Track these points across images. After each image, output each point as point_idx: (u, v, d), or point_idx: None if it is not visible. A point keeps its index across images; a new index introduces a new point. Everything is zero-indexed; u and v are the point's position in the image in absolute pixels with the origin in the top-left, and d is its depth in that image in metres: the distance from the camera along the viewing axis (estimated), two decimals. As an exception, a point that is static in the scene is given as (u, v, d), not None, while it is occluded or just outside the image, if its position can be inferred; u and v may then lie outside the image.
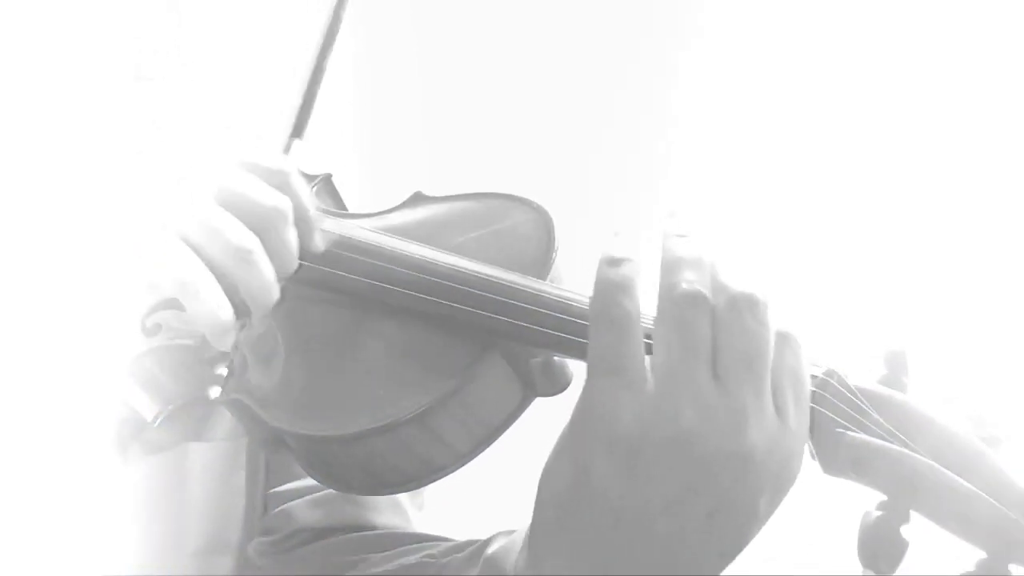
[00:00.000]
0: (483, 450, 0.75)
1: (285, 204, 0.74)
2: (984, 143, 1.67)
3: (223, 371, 0.73)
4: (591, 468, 0.62)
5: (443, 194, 0.87)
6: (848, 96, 1.79)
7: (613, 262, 0.63)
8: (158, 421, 0.72)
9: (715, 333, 0.62)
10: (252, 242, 0.72)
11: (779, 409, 0.63)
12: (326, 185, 0.91)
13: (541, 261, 0.77)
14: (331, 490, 0.93)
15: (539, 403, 0.76)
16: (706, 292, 0.63)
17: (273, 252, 0.73)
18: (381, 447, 0.72)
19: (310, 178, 0.90)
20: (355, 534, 0.92)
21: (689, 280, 0.63)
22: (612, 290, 0.63)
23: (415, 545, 0.90)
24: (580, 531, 0.63)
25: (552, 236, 0.79)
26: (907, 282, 1.62)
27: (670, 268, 0.64)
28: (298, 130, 0.83)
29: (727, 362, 0.62)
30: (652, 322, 0.64)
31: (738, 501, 0.61)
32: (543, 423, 0.85)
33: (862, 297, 1.64)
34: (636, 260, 0.63)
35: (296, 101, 0.84)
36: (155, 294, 0.70)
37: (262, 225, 0.73)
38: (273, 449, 0.77)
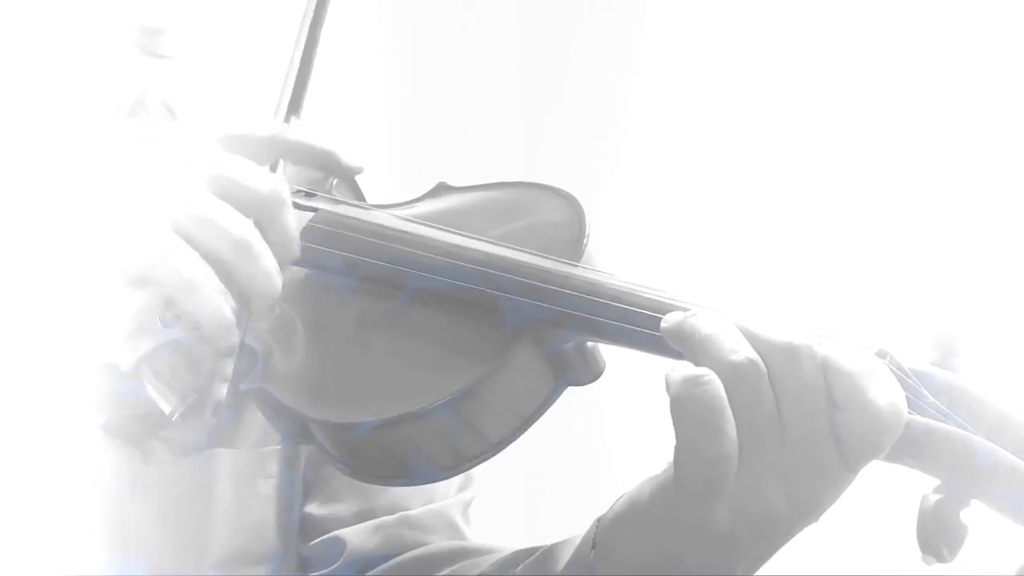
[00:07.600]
0: (514, 440, 0.73)
1: (281, 187, 0.72)
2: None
3: (240, 361, 0.71)
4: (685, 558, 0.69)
5: (467, 184, 0.85)
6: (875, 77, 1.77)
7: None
8: (177, 415, 0.70)
9: (774, 393, 0.66)
10: (250, 232, 0.69)
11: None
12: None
13: (572, 248, 0.76)
14: (384, 517, 0.93)
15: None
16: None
17: (272, 239, 0.71)
18: (411, 434, 0.71)
19: None
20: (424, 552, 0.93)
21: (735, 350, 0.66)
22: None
23: (481, 558, 0.90)
24: None
25: (583, 222, 0.77)
26: (959, 263, 1.60)
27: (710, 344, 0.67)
28: (294, 107, 0.80)
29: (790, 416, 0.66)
30: None
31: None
32: (571, 416, 0.83)
33: (913, 278, 1.62)
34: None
35: (291, 76, 0.81)
36: (152, 292, 0.67)
37: (259, 212, 0.70)
38: (298, 441, 0.76)
